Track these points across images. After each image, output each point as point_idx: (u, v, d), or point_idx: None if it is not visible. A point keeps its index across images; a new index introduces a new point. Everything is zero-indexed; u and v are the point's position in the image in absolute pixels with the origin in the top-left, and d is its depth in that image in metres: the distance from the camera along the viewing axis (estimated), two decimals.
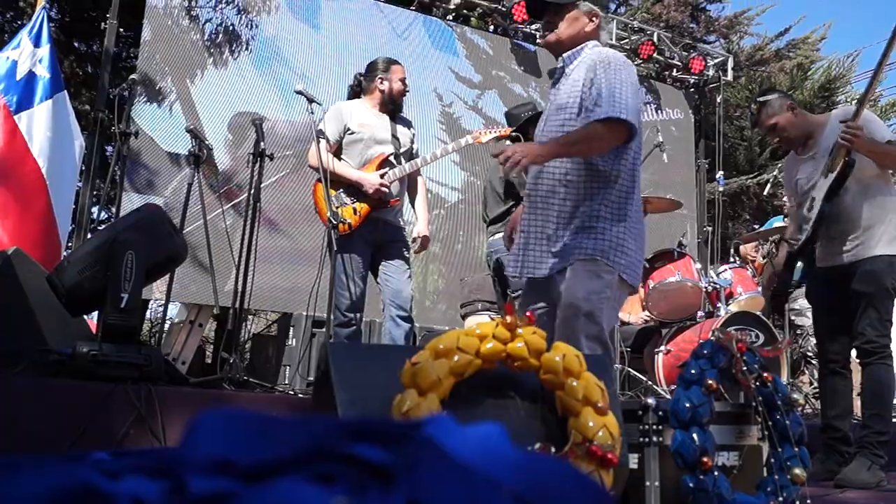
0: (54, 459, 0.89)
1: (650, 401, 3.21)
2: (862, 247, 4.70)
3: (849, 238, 4.75)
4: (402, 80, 5.89)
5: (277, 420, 0.94)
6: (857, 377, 4.96)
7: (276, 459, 0.86)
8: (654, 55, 12.03)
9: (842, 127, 4.59)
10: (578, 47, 4.02)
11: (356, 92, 6.02)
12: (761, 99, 5.13)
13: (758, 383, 3.39)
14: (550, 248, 3.84)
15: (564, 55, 4.05)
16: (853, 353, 4.96)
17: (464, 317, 7.80)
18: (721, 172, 11.45)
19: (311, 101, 5.48)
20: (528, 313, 2.61)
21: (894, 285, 4.68)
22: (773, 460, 3.31)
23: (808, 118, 5.10)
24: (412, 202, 6.04)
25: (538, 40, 4.13)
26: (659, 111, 12.45)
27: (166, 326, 8.51)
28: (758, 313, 7.10)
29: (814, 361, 7.82)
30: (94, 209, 9.39)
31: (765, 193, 12.38)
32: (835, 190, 4.68)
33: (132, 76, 6.67)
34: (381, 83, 5.87)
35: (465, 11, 11.70)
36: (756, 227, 14.20)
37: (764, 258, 8.68)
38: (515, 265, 3.98)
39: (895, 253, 4.68)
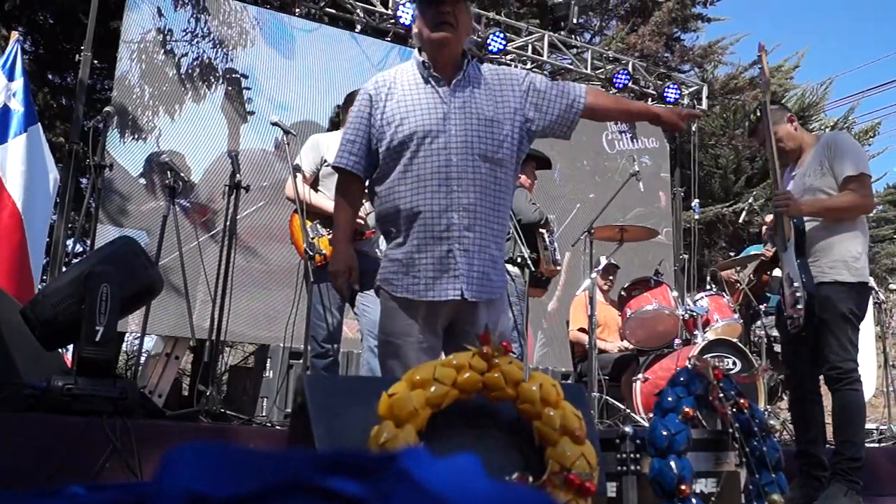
0: (29, 494, 0.88)
1: (627, 429, 3.22)
2: (819, 273, 4.72)
3: (808, 263, 4.77)
4: None
5: (253, 453, 0.94)
6: (828, 401, 4.96)
7: (251, 493, 0.86)
8: (629, 84, 12.12)
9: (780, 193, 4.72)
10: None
11: (335, 124, 6.02)
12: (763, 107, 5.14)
13: (734, 410, 3.40)
14: (493, 271, 3.60)
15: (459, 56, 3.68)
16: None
17: None
18: (697, 200, 11.51)
19: (286, 132, 5.49)
20: (504, 344, 2.61)
21: (852, 310, 4.68)
22: (750, 487, 3.32)
23: (804, 135, 5.11)
24: None
25: (436, 33, 3.62)
26: (634, 140, 12.52)
27: (142, 359, 8.46)
28: (734, 340, 7.12)
29: None
30: (69, 242, 9.31)
31: (740, 221, 12.45)
32: (801, 249, 4.73)
33: (107, 108, 6.65)
34: None
35: None
36: (732, 254, 14.28)
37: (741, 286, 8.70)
38: (457, 285, 3.49)
39: (850, 280, 4.69)
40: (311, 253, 5.27)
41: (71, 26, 12.00)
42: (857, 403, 4.68)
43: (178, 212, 6.47)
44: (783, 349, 5.28)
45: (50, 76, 13.39)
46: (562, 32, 12.25)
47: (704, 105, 13.08)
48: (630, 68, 12.09)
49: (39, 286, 7.13)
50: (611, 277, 8.25)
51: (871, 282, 4.90)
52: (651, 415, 3.60)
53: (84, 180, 10.93)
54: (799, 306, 4.67)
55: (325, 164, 5.70)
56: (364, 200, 5.65)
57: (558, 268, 6.48)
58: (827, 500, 4.50)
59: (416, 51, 3.70)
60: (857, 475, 4.57)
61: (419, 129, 3.49)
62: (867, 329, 9.93)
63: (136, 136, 8.89)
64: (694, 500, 2.94)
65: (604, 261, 7.57)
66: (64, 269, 7.86)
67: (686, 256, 11.89)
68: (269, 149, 9.20)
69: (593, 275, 6.85)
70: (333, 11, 10.67)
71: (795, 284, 4.69)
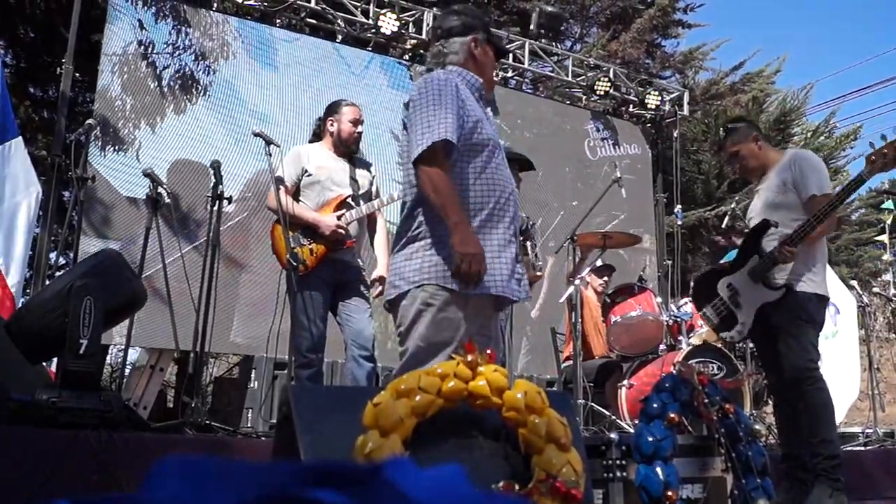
0: None
1: (613, 436, 3.22)
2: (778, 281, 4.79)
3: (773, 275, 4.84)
4: (353, 122, 5.84)
5: (237, 465, 0.93)
6: None
7: None
8: (611, 91, 12.14)
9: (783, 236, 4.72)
10: None
11: (317, 135, 6.02)
12: (729, 125, 5.27)
13: (720, 415, 3.41)
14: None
15: None
16: None
17: None
18: (679, 206, 11.54)
19: (269, 142, 5.48)
20: (489, 351, 2.61)
21: (811, 315, 4.77)
22: (736, 492, 3.32)
23: (768, 153, 5.17)
24: (372, 244, 6.00)
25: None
26: (616, 147, 12.55)
27: (126, 371, 8.41)
28: (719, 345, 7.13)
29: None
30: (52, 254, 9.27)
31: (723, 226, 12.51)
32: (760, 275, 4.86)
33: (89, 121, 6.64)
34: (332, 125, 5.87)
35: (421, 52, 11.78)
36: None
37: None
38: (520, 286, 3.67)
39: (809, 291, 4.77)
40: (293, 263, 5.26)
41: (52, 39, 11.97)
42: (825, 402, 4.71)
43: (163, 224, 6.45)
44: (761, 355, 5.33)
45: (31, 89, 13.36)
46: (543, 40, 12.26)
47: (686, 111, 13.10)
48: (611, 75, 12.11)
49: (22, 299, 7.10)
50: (605, 278, 8.20)
51: (829, 294, 4.96)
52: (637, 421, 3.61)
53: (67, 193, 10.90)
54: (732, 333, 5.01)
55: (307, 174, 5.70)
56: (345, 210, 5.68)
57: (539, 273, 6.50)
58: (813, 502, 4.51)
59: (465, 71, 3.82)
60: (839, 473, 4.59)
61: (493, 137, 3.69)
62: (851, 332, 9.99)
63: (118, 149, 8.84)
64: None
65: (598, 262, 7.57)
66: (47, 281, 7.82)
67: (669, 262, 11.89)
68: (251, 160, 9.17)
69: (577, 281, 6.86)
70: (314, 22, 10.67)
71: (742, 321, 4.90)
